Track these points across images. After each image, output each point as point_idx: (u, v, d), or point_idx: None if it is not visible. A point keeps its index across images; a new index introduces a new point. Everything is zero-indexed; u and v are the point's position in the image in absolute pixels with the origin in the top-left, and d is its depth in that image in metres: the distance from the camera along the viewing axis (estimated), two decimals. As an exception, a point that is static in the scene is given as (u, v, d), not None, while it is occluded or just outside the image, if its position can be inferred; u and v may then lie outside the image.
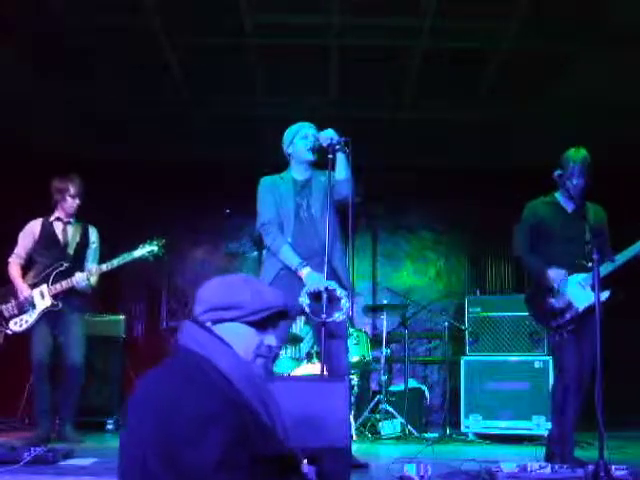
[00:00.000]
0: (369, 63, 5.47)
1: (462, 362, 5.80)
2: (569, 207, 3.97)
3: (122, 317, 6.25)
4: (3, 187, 6.96)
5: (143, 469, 1.54)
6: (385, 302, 6.26)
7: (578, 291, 3.82)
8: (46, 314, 4.58)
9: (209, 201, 7.37)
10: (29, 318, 4.57)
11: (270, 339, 1.81)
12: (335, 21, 4.88)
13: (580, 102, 5.89)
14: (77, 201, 4.76)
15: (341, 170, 3.60)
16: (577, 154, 3.86)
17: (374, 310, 6.62)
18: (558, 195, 4.00)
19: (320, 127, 3.71)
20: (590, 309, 3.77)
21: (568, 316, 3.82)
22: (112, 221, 6.40)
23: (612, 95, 5.73)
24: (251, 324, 1.76)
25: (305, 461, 2.28)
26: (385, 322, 6.04)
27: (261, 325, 1.78)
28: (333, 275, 3.54)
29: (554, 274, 3.81)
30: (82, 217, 4.96)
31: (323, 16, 4.82)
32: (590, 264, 3.76)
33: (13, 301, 4.60)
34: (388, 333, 6.03)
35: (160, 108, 6.33)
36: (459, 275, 7.44)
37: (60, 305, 4.58)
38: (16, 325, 4.58)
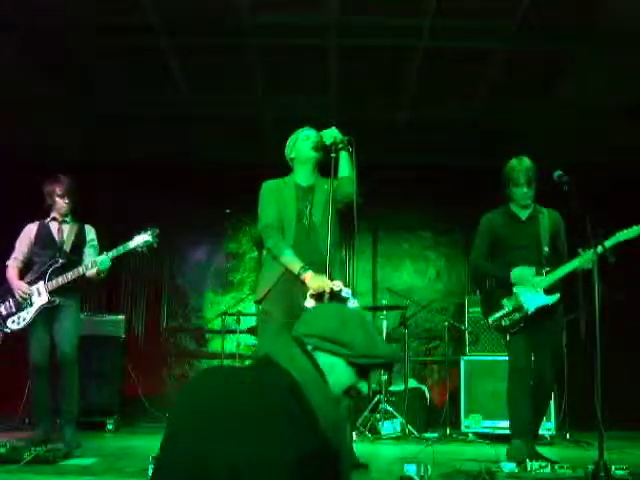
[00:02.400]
0: (369, 63, 5.47)
1: (462, 362, 5.81)
2: (523, 215, 4.07)
3: (122, 317, 6.24)
4: (2, 187, 6.97)
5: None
6: (385, 302, 6.26)
7: (530, 293, 3.90)
8: (42, 311, 4.57)
9: (209, 201, 7.37)
10: (26, 315, 4.56)
11: (364, 385, 1.76)
12: (335, 21, 4.88)
13: (580, 102, 5.89)
14: (66, 201, 4.75)
15: (344, 168, 3.59)
16: (520, 164, 3.94)
17: (374, 310, 6.62)
18: (512, 205, 4.09)
19: (320, 127, 3.70)
20: (541, 311, 3.85)
21: (517, 316, 3.91)
22: (112, 221, 6.41)
23: (611, 95, 5.74)
24: (352, 365, 1.71)
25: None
26: (385, 322, 6.04)
27: (362, 370, 1.73)
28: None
29: (520, 273, 3.91)
30: (81, 217, 4.96)
31: (323, 16, 4.82)
32: (547, 269, 3.87)
33: (11, 300, 4.61)
34: (388, 333, 6.03)
35: (160, 108, 6.33)
36: (459, 275, 7.44)
37: (57, 301, 4.57)
38: (14, 323, 4.57)
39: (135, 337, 7.17)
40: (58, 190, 4.72)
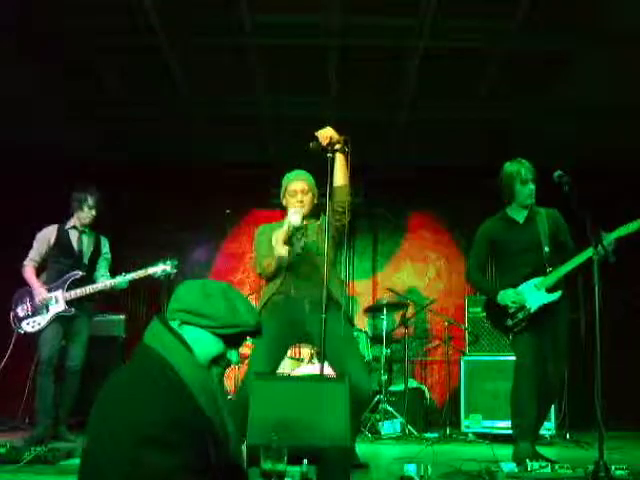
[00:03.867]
0: (369, 63, 5.46)
1: (462, 362, 5.80)
2: (520, 218, 4.05)
3: (122, 317, 6.25)
4: (2, 187, 6.96)
5: (102, 465, 1.58)
6: (385, 302, 6.26)
7: (532, 292, 3.91)
8: (57, 318, 4.71)
9: (209, 201, 7.37)
10: (42, 320, 4.69)
11: (233, 355, 1.84)
12: (335, 21, 4.88)
13: (580, 102, 5.89)
14: (93, 212, 4.82)
15: (338, 177, 3.54)
16: (522, 163, 3.95)
17: (374, 310, 6.62)
18: (508, 209, 4.07)
19: (319, 127, 3.68)
20: (545, 309, 3.87)
21: (520, 315, 3.91)
22: (112, 221, 6.40)
23: (612, 95, 5.74)
24: (219, 336, 1.80)
25: (305, 461, 2.29)
26: (385, 322, 6.04)
27: (229, 340, 1.81)
28: (328, 298, 3.37)
29: (512, 297, 3.89)
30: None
31: (323, 16, 4.82)
32: (550, 268, 3.86)
33: (28, 302, 4.74)
34: (388, 333, 6.03)
35: (160, 108, 6.33)
36: (459, 275, 7.43)
37: (73, 311, 4.73)
38: (28, 326, 4.71)
39: (135, 337, 7.15)
40: (90, 200, 4.78)
